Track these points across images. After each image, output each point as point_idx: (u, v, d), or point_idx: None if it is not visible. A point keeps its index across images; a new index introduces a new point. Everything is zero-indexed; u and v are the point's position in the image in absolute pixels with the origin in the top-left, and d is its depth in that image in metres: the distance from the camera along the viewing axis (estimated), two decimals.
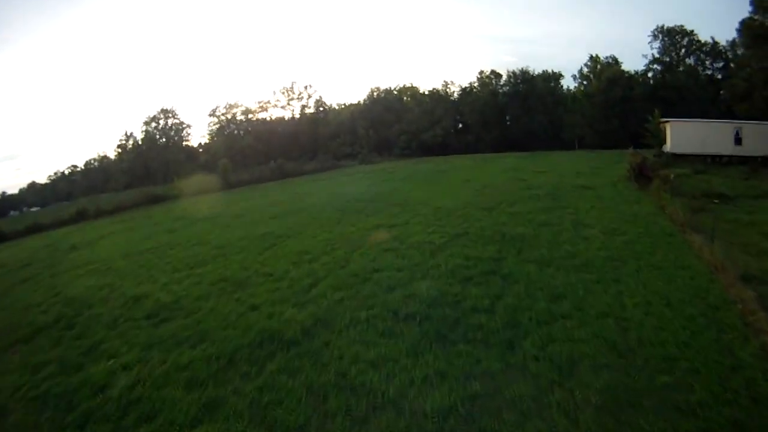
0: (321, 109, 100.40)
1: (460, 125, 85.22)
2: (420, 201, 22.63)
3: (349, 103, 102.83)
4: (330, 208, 23.77)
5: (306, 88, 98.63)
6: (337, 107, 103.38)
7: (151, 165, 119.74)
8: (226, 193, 46.90)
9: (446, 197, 23.04)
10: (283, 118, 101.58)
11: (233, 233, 20.85)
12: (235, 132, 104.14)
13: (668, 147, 35.62)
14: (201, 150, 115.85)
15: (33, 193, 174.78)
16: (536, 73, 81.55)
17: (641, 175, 22.41)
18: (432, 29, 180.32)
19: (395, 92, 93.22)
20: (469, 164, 42.49)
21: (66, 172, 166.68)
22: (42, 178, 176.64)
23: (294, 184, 44.01)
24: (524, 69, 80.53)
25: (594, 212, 16.95)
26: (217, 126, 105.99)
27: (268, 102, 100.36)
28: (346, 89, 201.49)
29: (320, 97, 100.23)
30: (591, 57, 74.82)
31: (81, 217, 48.36)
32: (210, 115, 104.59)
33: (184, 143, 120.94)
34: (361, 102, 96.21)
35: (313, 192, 33.61)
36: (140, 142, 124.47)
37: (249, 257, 15.56)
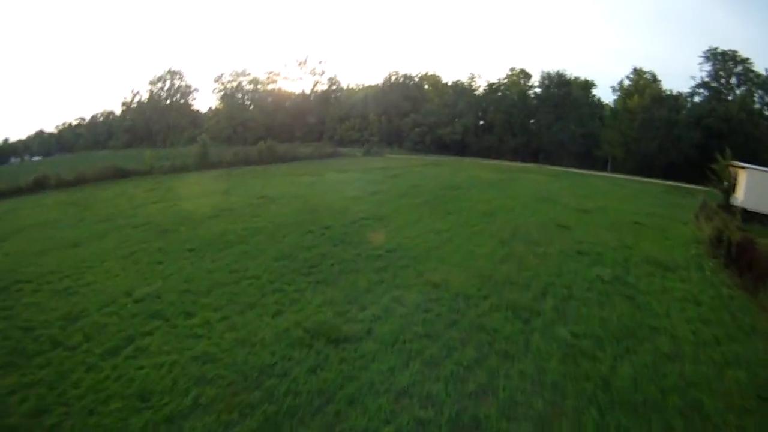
0: (334, 87, 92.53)
1: (482, 123, 76.74)
2: (413, 255, 14.67)
3: (365, 84, 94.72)
4: (273, 249, 15.72)
5: (320, 62, 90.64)
6: (354, 87, 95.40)
7: (153, 126, 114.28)
8: (197, 176, 39.64)
9: (455, 253, 15.09)
10: (292, 93, 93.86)
11: (110, 285, 13.19)
12: (240, 102, 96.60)
13: (740, 200, 27.82)
14: (208, 116, 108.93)
15: (40, 141, 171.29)
16: (572, 77, 72.61)
17: (745, 264, 14.45)
18: (463, 14, 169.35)
19: (415, 79, 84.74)
20: (489, 178, 34.84)
21: (73, 124, 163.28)
22: (50, 128, 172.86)
23: (274, 175, 36.35)
24: (560, 72, 71.63)
25: (705, 351, 9.22)
26: (222, 93, 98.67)
27: (278, 74, 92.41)
28: (362, 69, 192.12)
29: (335, 74, 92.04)
30: (635, 69, 66.33)
31: (39, 186, 42.21)
32: (215, 81, 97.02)
33: (190, 107, 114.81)
34: (377, 85, 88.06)
35: (283, 197, 25.85)
36: (144, 102, 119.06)
37: (68, 379, 8.16)
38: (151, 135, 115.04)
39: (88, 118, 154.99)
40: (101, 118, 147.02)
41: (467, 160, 52.68)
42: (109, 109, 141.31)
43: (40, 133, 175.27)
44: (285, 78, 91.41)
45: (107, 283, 13.37)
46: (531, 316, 10.44)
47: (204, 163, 47.02)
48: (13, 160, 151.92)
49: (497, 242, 16.70)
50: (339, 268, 13.53)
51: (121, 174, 43.96)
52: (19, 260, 16.79)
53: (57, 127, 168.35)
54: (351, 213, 21.02)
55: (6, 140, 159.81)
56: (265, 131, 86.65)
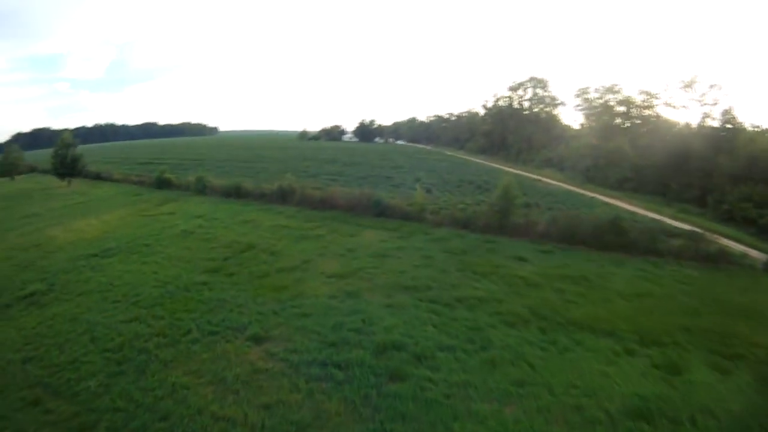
0: (728, 126, 61.26)
1: None
2: None
3: None
4: None
5: (712, 87, 61.13)
6: (759, 129, 61.35)
7: (508, 136, 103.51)
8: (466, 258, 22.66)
9: None
10: (674, 124, 66.85)
11: None
12: (607, 126, 74.58)
13: None
14: (570, 137, 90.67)
15: (409, 128, 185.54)
16: None
17: None
18: None
19: None
20: None
21: (443, 117, 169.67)
22: (422, 117, 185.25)
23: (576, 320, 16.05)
24: None
25: None
26: (584, 111, 79.25)
27: (657, 96, 66.96)
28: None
29: (730, 107, 61.00)
30: None
31: (280, 198, 34.61)
32: (577, 96, 78.22)
33: (553, 122, 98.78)
34: None
35: None
36: (504, 108, 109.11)
37: None
38: (506, 144, 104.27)
39: (456, 114, 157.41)
40: (465, 117, 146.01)
41: None
42: (475, 109, 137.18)
43: (411, 120, 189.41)
44: (665, 103, 65.48)
45: None
46: None
47: (505, 225, 27.86)
48: (377, 139, 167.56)
49: None
50: None
51: (377, 210, 31.04)
52: None
53: (428, 117, 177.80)
54: None
55: (372, 121, 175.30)
56: (632, 171, 63.23)
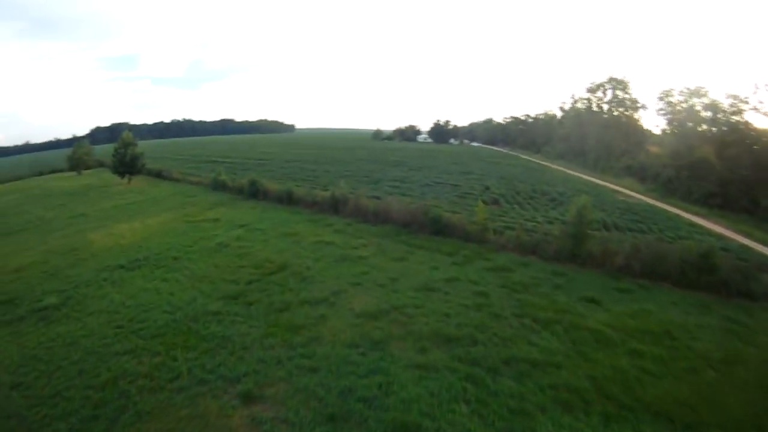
0: None
1: None
2: None
3: None
4: None
5: None
6: None
7: (586, 141, 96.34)
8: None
9: None
10: (762, 132, 58.48)
11: None
12: (691, 133, 66.79)
13: None
14: (651, 143, 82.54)
15: (485, 129, 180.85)
16: None
17: None
18: None
19: None
20: None
21: (521, 118, 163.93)
22: (498, 118, 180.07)
23: None
24: None
25: None
26: (667, 115, 71.92)
27: (746, 100, 58.95)
28: None
29: None
30: None
31: (332, 207, 32.46)
32: (660, 99, 70.94)
33: (634, 127, 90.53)
34: None
35: None
36: (582, 111, 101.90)
37: None
38: (584, 150, 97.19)
39: (532, 116, 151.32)
40: (542, 119, 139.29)
41: None
42: (552, 111, 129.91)
43: (487, 121, 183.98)
44: (754, 108, 57.30)
45: None
46: None
47: (577, 254, 23.46)
48: (452, 140, 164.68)
49: None
50: None
51: (434, 228, 28.01)
52: None
53: (504, 118, 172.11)
54: None
55: (447, 122, 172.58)
56: (718, 185, 56.06)
